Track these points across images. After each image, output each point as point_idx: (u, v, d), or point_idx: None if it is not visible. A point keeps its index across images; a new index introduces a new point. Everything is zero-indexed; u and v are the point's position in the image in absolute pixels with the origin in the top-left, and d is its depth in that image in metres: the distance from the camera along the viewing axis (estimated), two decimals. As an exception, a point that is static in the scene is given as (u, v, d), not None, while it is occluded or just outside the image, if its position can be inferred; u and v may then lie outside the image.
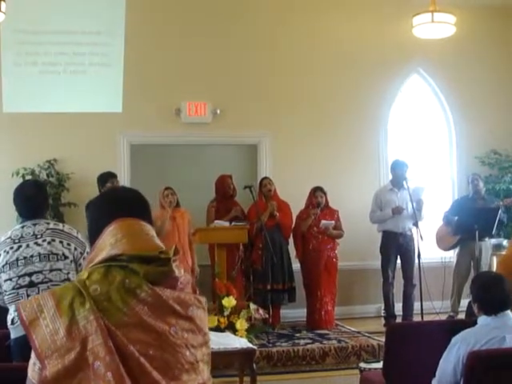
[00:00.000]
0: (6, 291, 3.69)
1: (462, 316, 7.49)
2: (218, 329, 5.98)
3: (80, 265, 3.72)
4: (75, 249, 3.75)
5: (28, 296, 3.56)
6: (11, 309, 3.65)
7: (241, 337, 5.82)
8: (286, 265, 7.78)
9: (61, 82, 8.35)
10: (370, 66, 9.11)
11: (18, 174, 7.83)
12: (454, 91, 9.42)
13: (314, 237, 7.82)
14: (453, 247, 8.25)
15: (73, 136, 8.34)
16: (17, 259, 3.66)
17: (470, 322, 3.68)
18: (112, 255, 1.72)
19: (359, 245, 8.60)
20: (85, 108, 8.35)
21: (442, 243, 8.23)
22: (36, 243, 3.69)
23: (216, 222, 7.61)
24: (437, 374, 3.46)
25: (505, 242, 8.43)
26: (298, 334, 7.42)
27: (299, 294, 7.87)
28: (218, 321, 6.13)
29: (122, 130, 8.49)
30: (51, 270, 3.67)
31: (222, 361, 5.34)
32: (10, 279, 3.66)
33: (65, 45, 8.30)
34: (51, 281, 3.64)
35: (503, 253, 7.95)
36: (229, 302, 6.23)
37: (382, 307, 8.33)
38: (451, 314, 8.06)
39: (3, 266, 3.69)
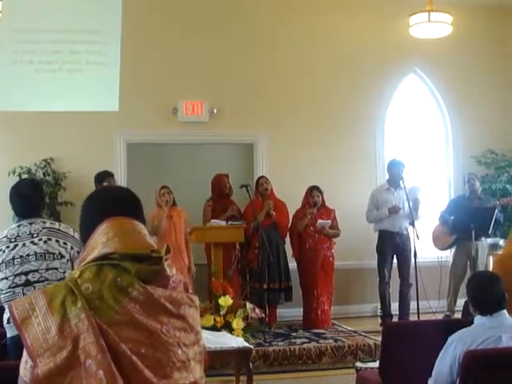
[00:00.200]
0: (2, 290, 3.69)
1: (458, 315, 7.51)
2: (214, 328, 5.97)
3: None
4: (71, 248, 3.75)
5: (24, 295, 3.55)
6: (7, 308, 3.65)
7: (237, 336, 5.81)
8: (282, 264, 7.78)
9: (57, 81, 8.32)
10: (367, 66, 9.12)
11: (14, 172, 7.82)
12: (450, 91, 9.43)
13: (310, 236, 7.82)
14: (449, 247, 8.25)
15: (69, 135, 8.34)
16: (13, 258, 3.66)
17: (467, 321, 3.68)
18: (104, 254, 1.73)
19: (356, 244, 8.60)
20: (81, 107, 8.32)
21: (439, 243, 8.23)
22: (32, 242, 3.69)
23: (212, 221, 7.61)
24: (433, 373, 3.46)
25: (501, 242, 8.44)
26: (294, 334, 7.42)
27: (295, 294, 7.87)
28: (215, 320, 6.12)
29: (119, 128, 8.48)
30: (47, 269, 3.67)
31: (218, 360, 5.35)
32: (6, 278, 3.66)
33: (61, 43, 8.27)
34: (47, 280, 3.64)
35: (499, 252, 7.95)
36: (225, 301, 6.22)
37: (379, 307, 8.34)
38: (447, 313, 8.07)
39: (-1, 265, 3.69)
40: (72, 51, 8.31)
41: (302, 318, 7.92)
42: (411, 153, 9.36)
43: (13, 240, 3.70)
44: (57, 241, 3.74)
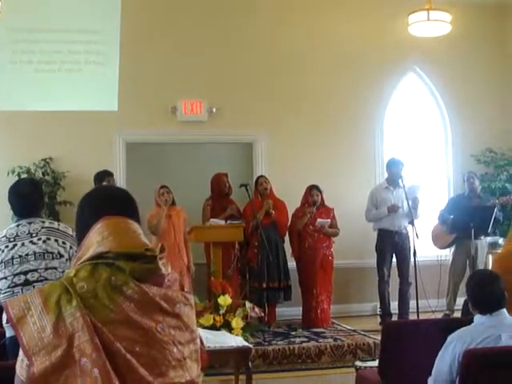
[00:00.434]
0: (1, 290, 3.68)
1: (457, 314, 7.51)
2: (213, 327, 5.97)
3: None
4: (70, 247, 3.75)
5: (23, 294, 3.55)
6: (6, 307, 3.64)
7: (236, 335, 5.81)
8: (281, 263, 7.78)
9: (56, 81, 8.32)
10: (366, 65, 9.11)
11: (13, 172, 7.82)
12: (449, 89, 9.42)
13: (309, 235, 7.82)
14: (449, 245, 8.25)
15: (68, 134, 8.33)
16: (12, 258, 3.65)
17: (466, 320, 3.68)
18: (98, 253, 1.74)
19: (355, 243, 8.60)
20: (80, 106, 8.32)
21: (438, 241, 8.23)
22: (31, 242, 3.69)
23: (212, 220, 7.61)
24: (433, 372, 3.46)
25: (501, 241, 8.44)
26: (293, 333, 7.42)
27: (295, 293, 7.87)
28: (214, 319, 6.12)
29: (118, 128, 8.48)
30: (46, 269, 3.67)
31: (217, 359, 5.35)
32: (6, 278, 3.65)
33: (60, 43, 8.28)
34: (46, 279, 3.63)
35: (499, 251, 7.95)
36: (224, 300, 6.22)
37: (378, 305, 8.33)
38: (447, 312, 8.06)
39: (-2, 265, 3.68)
40: (71, 51, 8.31)
41: (301, 317, 7.92)
42: (410, 152, 9.36)
43: (12, 240, 3.70)
44: (56, 240, 3.73)
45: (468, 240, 7.77)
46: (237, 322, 6.15)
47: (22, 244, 3.68)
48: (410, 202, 7.75)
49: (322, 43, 9.09)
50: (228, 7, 8.89)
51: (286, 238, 8.02)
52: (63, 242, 3.75)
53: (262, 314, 6.78)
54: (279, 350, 6.55)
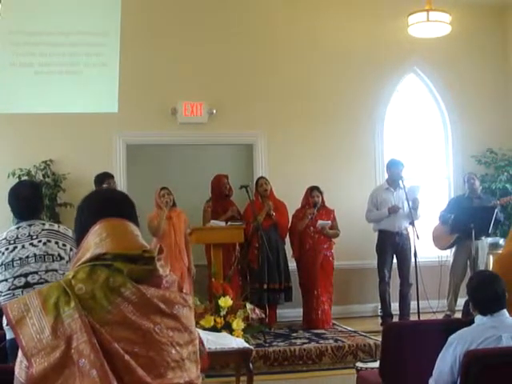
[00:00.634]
0: (1, 292, 3.68)
1: (458, 315, 7.50)
2: (214, 329, 5.96)
3: None
4: (71, 249, 3.74)
5: (23, 297, 3.54)
6: (6, 310, 3.63)
7: (237, 337, 5.81)
8: (282, 264, 7.79)
9: (56, 83, 8.33)
10: (366, 66, 9.12)
11: (14, 174, 7.82)
12: (449, 90, 9.42)
13: (310, 236, 7.82)
14: (450, 246, 8.24)
15: (69, 136, 8.34)
16: (12, 260, 3.65)
17: (467, 321, 3.67)
18: (97, 254, 1.75)
19: (356, 244, 8.61)
20: (80, 108, 8.33)
21: (439, 242, 8.23)
22: (31, 244, 3.68)
23: (212, 221, 7.61)
24: (434, 373, 3.46)
25: (501, 241, 8.43)
26: (294, 334, 7.42)
27: (295, 294, 7.88)
28: (215, 321, 6.12)
29: (118, 130, 8.48)
30: (47, 271, 3.66)
31: (218, 361, 5.35)
32: (6, 280, 3.65)
33: (60, 45, 8.29)
34: (47, 281, 3.62)
35: (500, 252, 7.95)
36: (225, 301, 6.21)
37: (379, 306, 8.33)
38: (448, 313, 8.06)
39: (-1, 267, 3.68)
40: (71, 53, 8.32)
41: (301, 319, 7.92)
42: (411, 152, 9.36)
43: (12, 242, 3.69)
44: (56, 242, 3.73)
45: (469, 241, 7.77)
46: (237, 324, 6.15)
47: (23, 246, 3.68)
48: (411, 203, 7.75)
49: (322, 44, 9.08)
50: (228, 8, 8.89)
51: (287, 239, 8.02)
52: (63, 244, 3.75)
53: (263, 316, 6.77)
54: (280, 351, 6.55)
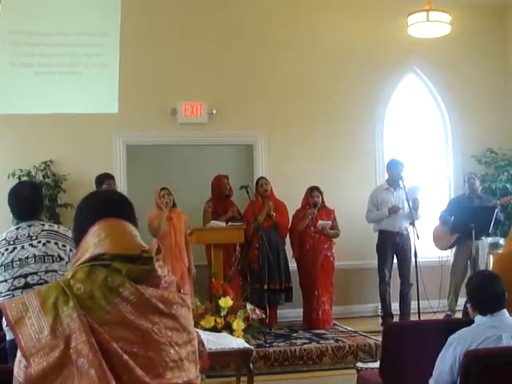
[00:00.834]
0: (1, 293, 3.67)
1: (459, 315, 7.50)
2: (214, 329, 5.97)
3: None
4: (70, 250, 3.74)
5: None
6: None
7: (238, 337, 5.81)
8: (282, 264, 7.79)
9: (56, 83, 8.33)
10: (366, 66, 9.12)
11: (14, 175, 7.82)
12: (449, 90, 9.42)
13: (310, 236, 7.83)
14: (451, 247, 8.24)
15: (69, 137, 8.34)
16: (12, 261, 3.65)
17: (467, 321, 3.67)
18: (95, 255, 1.75)
19: (356, 244, 8.61)
20: (80, 109, 8.33)
21: (440, 243, 8.22)
22: (31, 245, 3.68)
23: (212, 222, 7.61)
24: (434, 373, 3.46)
25: (501, 241, 8.43)
26: (294, 334, 7.42)
27: (296, 294, 7.88)
28: (215, 321, 6.12)
29: (118, 130, 8.49)
30: (46, 272, 3.66)
31: (218, 361, 5.35)
32: (6, 281, 3.65)
33: (60, 46, 8.29)
34: (46, 282, 3.62)
35: (500, 251, 7.95)
36: (225, 302, 6.21)
37: (379, 307, 8.33)
38: (448, 313, 8.06)
39: (-2, 268, 3.68)
40: (71, 54, 8.32)
41: (302, 319, 7.92)
42: (411, 152, 9.36)
43: (11, 243, 3.69)
44: (56, 243, 3.73)
45: (469, 241, 7.77)
46: (238, 324, 6.15)
47: (22, 247, 3.68)
48: (411, 203, 7.75)
49: (322, 44, 9.08)
50: (228, 8, 8.89)
51: (287, 239, 8.02)
52: (63, 245, 3.75)
53: (263, 316, 6.78)
54: (280, 351, 6.55)
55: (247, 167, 9.28)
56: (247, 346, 5.33)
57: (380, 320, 8.19)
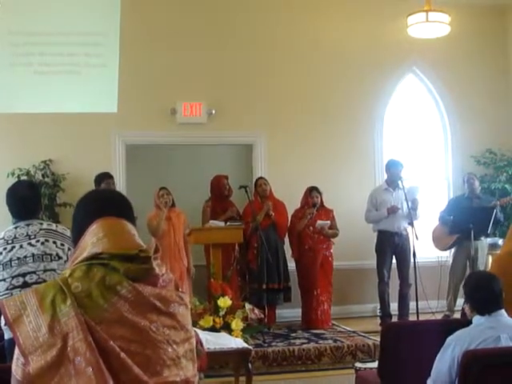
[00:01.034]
0: (-1, 292, 3.68)
1: (457, 315, 7.50)
2: (213, 329, 5.96)
3: None
4: (69, 249, 3.74)
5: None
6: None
7: (236, 337, 5.80)
8: (281, 264, 7.79)
9: (56, 83, 8.33)
10: (366, 66, 9.12)
11: (13, 174, 7.82)
12: (449, 90, 9.43)
13: (309, 236, 7.83)
14: (450, 247, 8.24)
15: (68, 136, 8.34)
16: (10, 260, 3.65)
17: (465, 321, 3.67)
18: (93, 253, 1.75)
19: (355, 244, 8.60)
20: (80, 108, 8.33)
21: (439, 243, 8.22)
22: (29, 244, 3.68)
23: (211, 222, 7.61)
24: (432, 374, 3.46)
25: (500, 241, 8.42)
26: (293, 334, 7.42)
27: (294, 294, 7.88)
28: (214, 321, 6.11)
29: (117, 130, 8.48)
30: (45, 271, 3.66)
31: (217, 361, 5.36)
32: (4, 280, 3.65)
33: (60, 45, 8.28)
34: (45, 281, 3.60)
35: (498, 252, 7.95)
36: (224, 302, 6.21)
37: (378, 307, 8.32)
38: (447, 313, 8.06)
39: (-3, 267, 3.68)
40: (71, 53, 8.32)
41: (300, 319, 7.92)
42: (410, 153, 9.36)
43: (10, 242, 3.69)
44: (54, 242, 3.73)
45: (468, 241, 7.77)
46: (237, 324, 6.14)
47: (21, 246, 3.68)
48: (410, 204, 7.75)
49: (321, 45, 9.08)
50: (227, 9, 8.89)
51: (286, 239, 8.02)
52: (61, 244, 3.75)
53: (262, 316, 6.77)
54: (279, 351, 6.56)
55: (246, 167, 9.28)
56: (246, 345, 5.33)
57: (379, 320, 8.18)
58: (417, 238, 7.59)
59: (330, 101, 9.06)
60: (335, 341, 6.95)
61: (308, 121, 8.96)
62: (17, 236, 3.71)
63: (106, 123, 8.37)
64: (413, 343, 4.05)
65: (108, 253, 1.74)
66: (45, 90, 8.32)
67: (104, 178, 7.45)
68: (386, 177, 8.31)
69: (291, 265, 7.95)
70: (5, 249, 3.68)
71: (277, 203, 7.93)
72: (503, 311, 3.46)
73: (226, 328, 6.08)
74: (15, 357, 1.66)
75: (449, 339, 3.42)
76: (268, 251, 7.41)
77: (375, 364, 4.70)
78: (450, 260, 8.38)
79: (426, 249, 8.43)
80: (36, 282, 3.62)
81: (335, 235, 7.98)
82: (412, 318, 7.68)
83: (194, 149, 9.44)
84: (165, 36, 8.67)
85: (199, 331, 4.97)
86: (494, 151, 9.33)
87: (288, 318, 8.19)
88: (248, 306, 6.40)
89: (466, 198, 8.34)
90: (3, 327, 3.59)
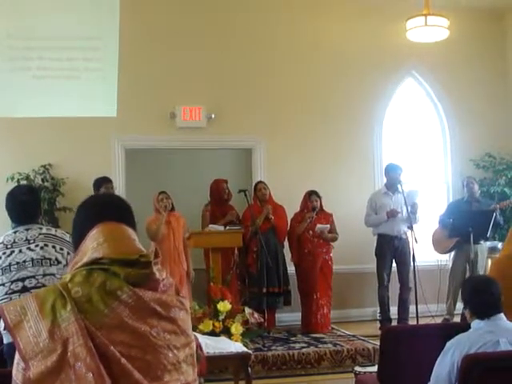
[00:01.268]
0: (-2, 296, 3.68)
1: (457, 319, 7.50)
2: (212, 333, 5.95)
3: None
4: (68, 253, 3.74)
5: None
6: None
7: (236, 341, 5.79)
8: (281, 268, 7.79)
9: (55, 87, 8.34)
10: (365, 70, 9.13)
11: (12, 179, 7.82)
12: (447, 94, 9.44)
13: (309, 240, 7.83)
14: (450, 250, 8.24)
15: (67, 141, 8.34)
16: (9, 264, 3.65)
17: (465, 325, 3.67)
18: (93, 258, 1.75)
19: (355, 248, 8.60)
20: (79, 113, 8.33)
21: (439, 247, 8.22)
22: (29, 248, 3.68)
23: (211, 226, 7.62)
24: (431, 378, 3.45)
25: (500, 245, 8.43)
26: (293, 338, 7.41)
27: (294, 298, 7.87)
28: (213, 325, 6.10)
29: (117, 134, 8.48)
30: (44, 275, 3.66)
31: (217, 365, 5.34)
32: (3, 284, 3.65)
33: (59, 50, 8.29)
34: (44, 286, 3.62)
35: (498, 255, 7.95)
36: (224, 306, 6.20)
37: (378, 311, 8.32)
38: (447, 317, 8.05)
39: (-4, 272, 3.68)
40: (70, 58, 8.33)
41: (300, 323, 7.91)
42: (409, 157, 9.37)
43: (9, 246, 3.69)
44: (53, 247, 3.73)
45: (468, 245, 7.77)
46: (236, 328, 6.13)
47: (20, 251, 3.68)
48: (409, 207, 7.75)
49: (321, 49, 9.10)
50: (227, 13, 8.90)
51: (286, 243, 8.02)
52: (61, 249, 3.75)
53: (262, 320, 6.77)
54: (279, 355, 6.55)
55: (246, 171, 9.29)
56: (245, 349, 5.32)
57: (378, 324, 8.18)
58: (416, 242, 7.59)
59: (329, 105, 9.07)
60: (335, 345, 6.94)
61: (307, 125, 8.97)
62: (16, 240, 3.71)
63: (106, 127, 8.37)
64: (412, 347, 4.05)
65: (108, 258, 1.74)
66: (44, 94, 8.32)
67: (103, 182, 7.45)
68: (385, 181, 8.31)
69: (291, 269, 7.95)
70: (4, 253, 3.68)
71: (276, 207, 7.93)
72: (502, 315, 3.45)
73: (226, 332, 6.07)
74: (16, 362, 1.66)
75: (448, 344, 3.41)
76: (267, 255, 7.41)
77: (375, 368, 4.70)
78: (450, 264, 8.37)
79: (425, 252, 8.43)
80: (35, 287, 3.62)
81: (335, 239, 7.98)
82: (411, 321, 7.67)
83: (193, 153, 9.45)
84: (164, 40, 8.68)
85: (199, 335, 4.97)
86: (493, 155, 9.33)
87: (287, 321, 8.19)
88: (247, 310, 6.39)
89: (466, 201, 8.34)
90: (2, 332, 3.59)
